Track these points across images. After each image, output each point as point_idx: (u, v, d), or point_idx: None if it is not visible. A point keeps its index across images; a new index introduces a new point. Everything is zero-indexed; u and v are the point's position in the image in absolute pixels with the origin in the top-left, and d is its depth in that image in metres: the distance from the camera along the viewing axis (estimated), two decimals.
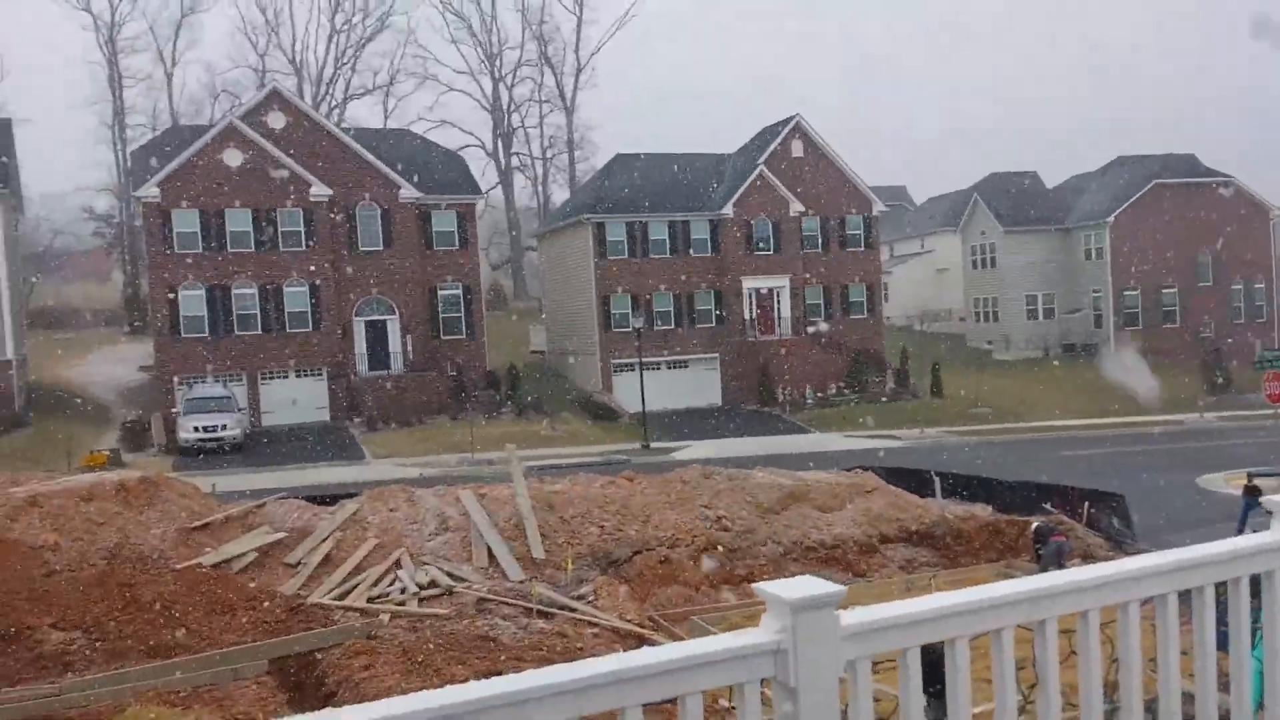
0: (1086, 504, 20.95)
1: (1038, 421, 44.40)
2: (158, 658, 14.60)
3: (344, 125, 59.28)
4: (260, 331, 44.32)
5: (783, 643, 2.71)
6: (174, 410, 40.22)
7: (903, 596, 18.11)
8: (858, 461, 27.58)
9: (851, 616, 2.90)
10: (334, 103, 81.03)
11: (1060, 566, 18.56)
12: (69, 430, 39.85)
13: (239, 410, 40.25)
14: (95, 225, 77.69)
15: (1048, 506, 21.34)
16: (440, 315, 48.70)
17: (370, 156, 46.54)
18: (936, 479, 22.60)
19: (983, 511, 21.96)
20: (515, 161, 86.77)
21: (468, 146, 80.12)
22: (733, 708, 2.96)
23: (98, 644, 14.86)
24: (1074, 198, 67.42)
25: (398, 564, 17.77)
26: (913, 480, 23.55)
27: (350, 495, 20.50)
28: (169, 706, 12.73)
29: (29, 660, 14.38)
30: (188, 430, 37.74)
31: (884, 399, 50.21)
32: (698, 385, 51.18)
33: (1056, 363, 59.91)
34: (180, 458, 37.09)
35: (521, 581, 17.44)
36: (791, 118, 54.49)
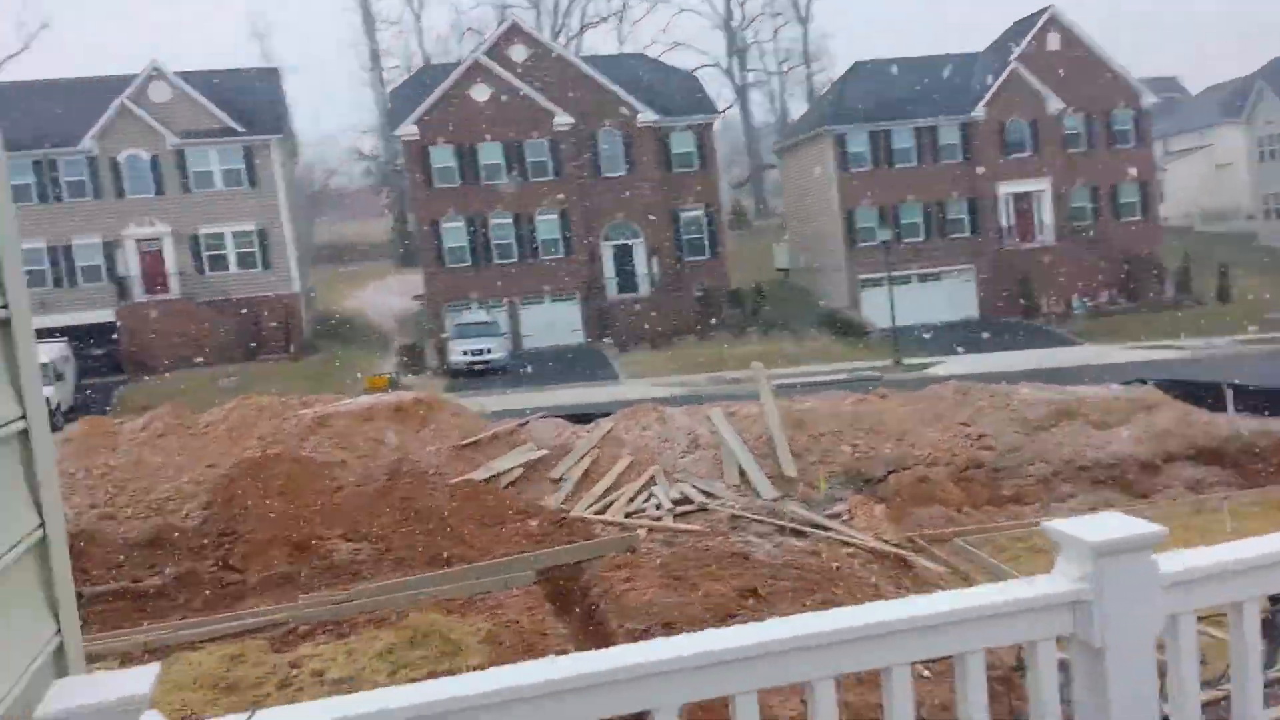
0: None
1: None
2: (436, 567, 15.62)
3: (581, 54, 59.99)
4: (517, 259, 46.12)
5: (1084, 593, 2.29)
6: (444, 336, 42.70)
7: (1192, 520, 16.73)
8: (1136, 374, 25.55)
9: (1172, 562, 2.40)
10: (571, 33, 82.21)
11: None
12: (352, 355, 43.22)
13: (502, 334, 42.29)
14: (364, 165, 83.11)
15: None
16: (683, 237, 48.91)
17: (608, 83, 46.92)
18: (1229, 391, 20.58)
19: None
20: (751, 78, 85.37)
21: (702, 67, 79.48)
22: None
23: (383, 554, 16.05)
24: None
25: (652, 480, 18.12)
26: (1202, 394, 21.54)
27: (605, 414, 21.02)
28: (446, 613, 13.57)
29: (322, 569, 15.73)
30: (456, 354, 40.07)
31: (1163, 307, 46.28)
32: (951, 298, 49.02)
33: None
34: (451, 379, 39.44)
35: (774, 499, 17.38)
36: (1046, 8, 50.35)
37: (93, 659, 13.11)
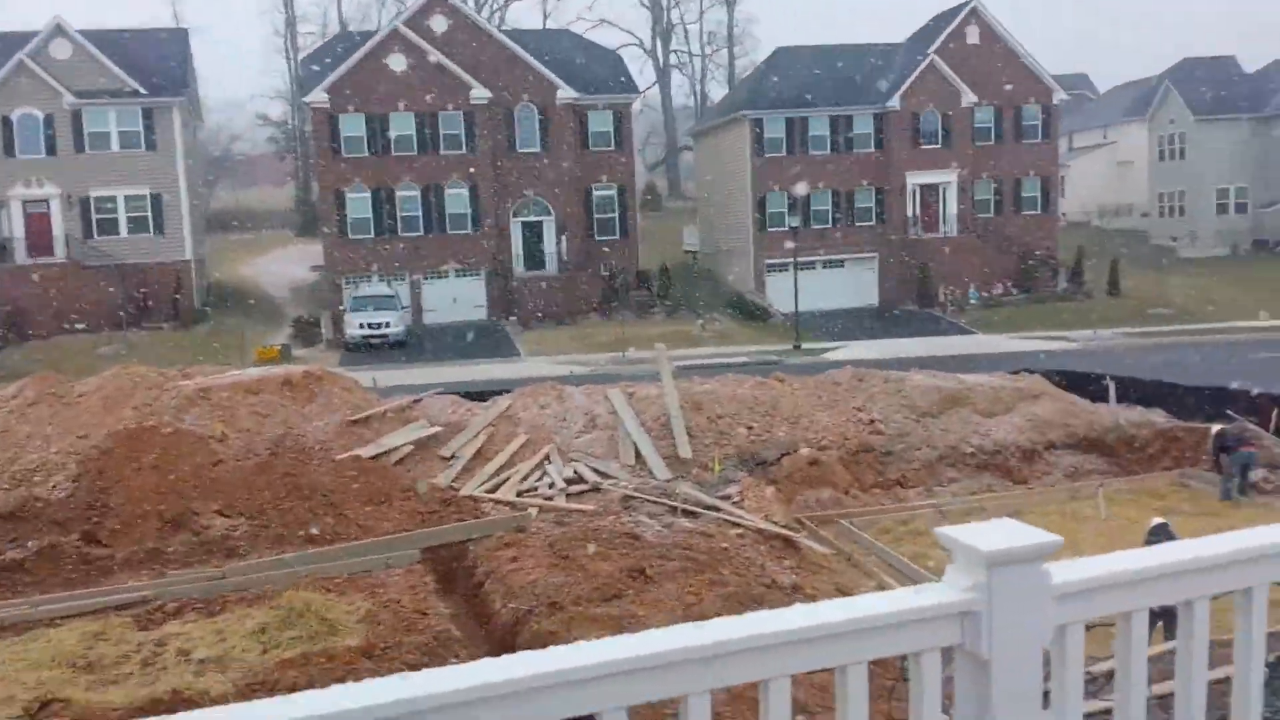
0: (1276, 411, 19.27)
1: (1225, 323, 41.29)
2: (316, 545, 15.19)
3: (504, 28, 59.08)
4: (422, 233, 45.29)
5: (974, 603, 2.18)
6: (341, 308, 41.72)
7: (1067, 505, 17.17)
8: (1023, 364, 26.18)
9: (1064, 571, 2.33)
10: (495, 6, 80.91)
11: (1245, 479, 17.18)
12: (244, 326, 41.96)
13: (402, 308, 41.47)
14: (269, 131, 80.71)
15: (1232, 414, 19.74)
16: (595, 216, 48.61)
17: (529, 58, 46.27)
18: (1110, 383, 21.20)
19: (1159, 418, 20.53)
20: (674, 59, 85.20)
21: (626, 45, 78.96)
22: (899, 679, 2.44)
23: (260, 531, 15.55)
24: (1275, 83, 61.45)
25: (546, 459, 17.92)
26: (1084, 385, 22.17)
27: (503, 392, 20.73)
28: (325, 592, 13.18)
29: (196, 545, 15.16)
30: (354, 327, 39.15)
31: (1055, 299, 47.63)
32: (854, 285, 49.71)
33: (1246, 261, 55.47)
34: (346, 353, 38.56)
35: (667, 480, 17.33)
36: (968, 2, 51.17)
37: None
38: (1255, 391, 20.28)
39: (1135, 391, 21.79)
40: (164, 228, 43.43)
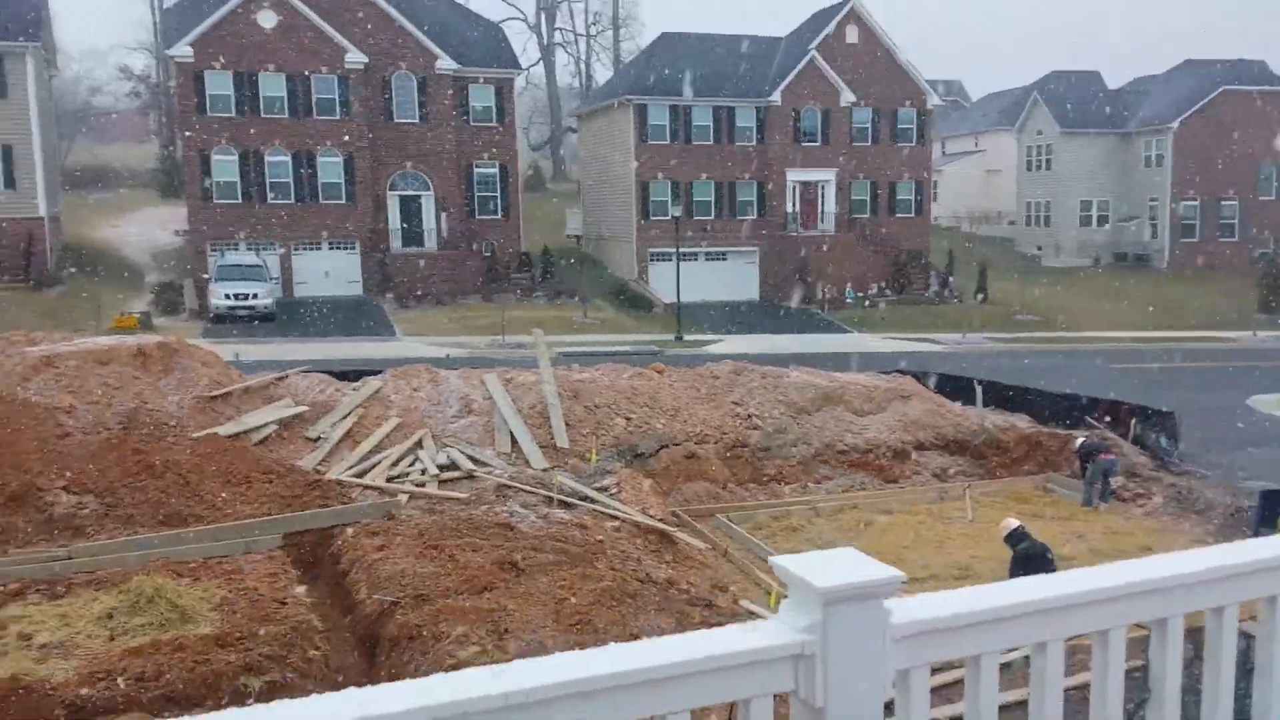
0: (1134, 420, 20.12)
1: (1084, 332, 43.17)
2: (170, 526, 14.35)
3: None
4: (293, 201, 43.62)
5: (808, 645, 2.00)
6: (206, 277, 39.89)
7: (935, 507, 17.53)
8: (895, 365, 26.77)
9: (907, 611, 2.14)
10: None
11: (1106, 485, 17.85)
12: (102, 291, 39.73)
13: (271, 279, 39.86)
14: (132, 85, 76.69)
15: (1092, 420, 20.54)
16: (476, 194, 47.70)
17: (407, 23, 44.98)
18: (979, 387, 21.79)
19: (1023, 423, 21.21)
20: (558, 38, 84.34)
21: (509, 19, 77.83)
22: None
23: (109, 510, 14.60)
24: (1137, 101, 64.55)
25: (419, 444, 17.38)
26: (953, 387, 22.76)
27: (375, 372, 20.03)
28: (176, 577, 12.45)
29: (39, 522, 14.15)
30: (219, 297, 37.43)
31: (926, 301, 49.02)
32: (735, 279, 50.16)
33: (1106, 272, 58.20)
34: (211, 324, 36.89)
35: (544, 470, 17.01)
36: (847, 1, 52.02)
37: None
38: (1113, 400, 21.12)
39: (1002, 395, 22.46)
40: (15, 181, 40.74)
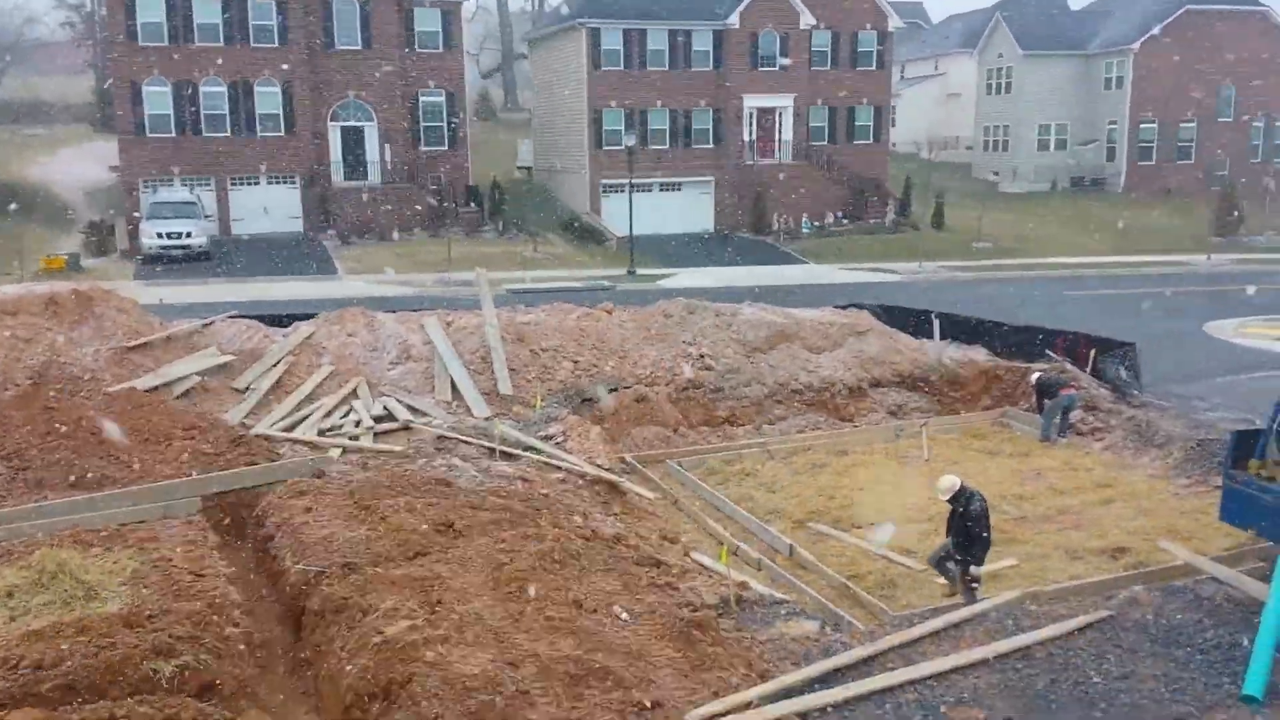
0: (1093, 351, 19.63)
1: (1041, 258, 42.75)
2: (82, 490, 13.46)
3: None
4: (230, 134, 41.82)
5: None
6: (137, 215, 38.23)
7: (892, 446, 16.97)
8: (852, 295, 26.10)
9: None
10: None
11: (1065, 420, 17.37)
12: (30, 230, 38.02)
13: (205, 217, 38.27)
14: (65, 14, 73.27)
15: (1051, 354, 20.03)
16: (422, 124, 46.03)
17: None
18: (936, 321, 21.18)
19: (981, 356, 20.67)
20: None
21: None
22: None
23: (17, 473, 13.67)
24: (1099, 22, 63.60)
25: (353, 394, 16.51)
26: (909, 320, 22.13)
27: (307, 316, 19.02)
28: (85, 547, 11.59)
29: None
30: (150, 236, 35.85)
31: (884, 230, 48.32)
32: (690, 210, 49.12)
33: (1063, 197, 57.77)
34: (142, 265, 35.41)
35: (486, 419, 16.22)
36: None
37: None
38: (1072, 331, 20.61)
39: (959, 328, 21.88)
40: None
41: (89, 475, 13.72)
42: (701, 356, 18.69)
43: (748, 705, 8.77)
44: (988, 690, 8.92)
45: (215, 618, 10.27)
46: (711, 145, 49.59)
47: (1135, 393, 18.83)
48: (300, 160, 42.69)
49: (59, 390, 14.90)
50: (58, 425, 14.43)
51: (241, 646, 10.13)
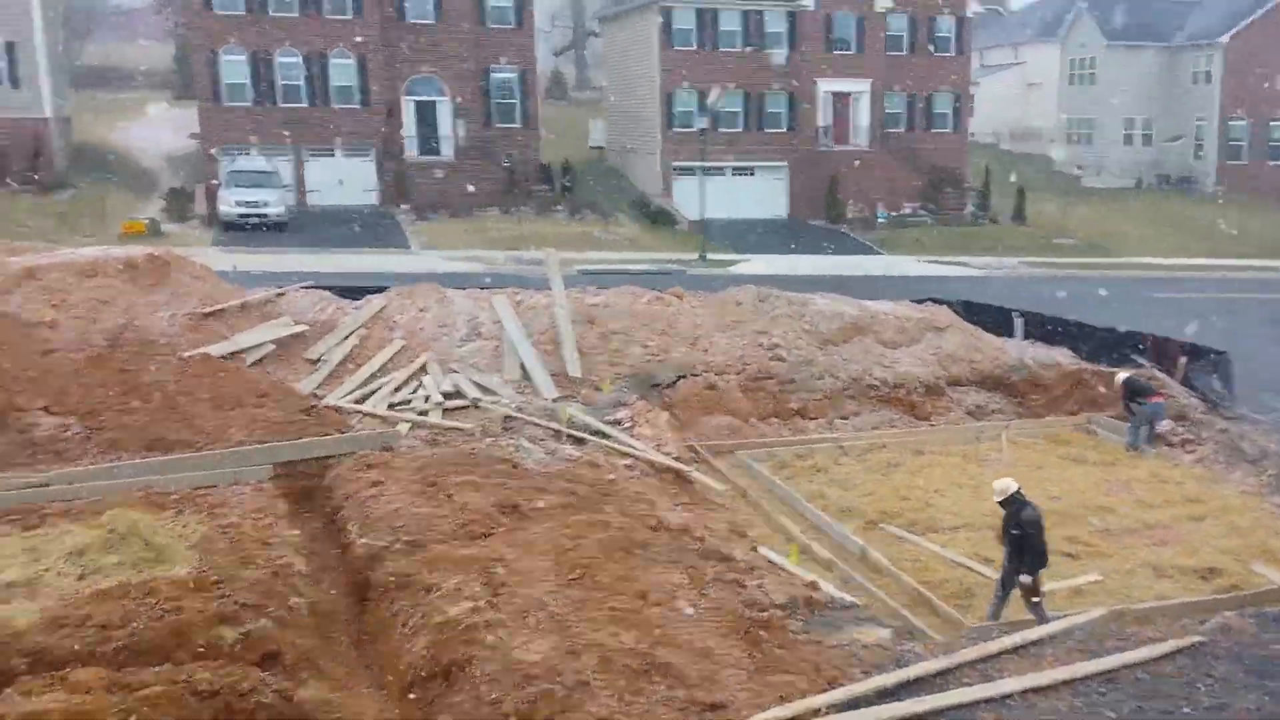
0: (1184, 358, 18.85)
1: (1127, 257, 41.45)
2: (156, 452, 13.55)
3: None
4: (306, 104, 42.15)
5: None
6: (216, 182, 38.73)
7: (970, 448, 16.46)
8: (928, 290, 25.43)
9: None
10: None
11: (1152, 430, 16.70)
12: (112, 195, 38.74)
13: (283, 186, 38.65)
14: None
15: (1138, 359, 19.27)
16: (493, 100, 45.97)
17: None
18: (1019, 319, 20.52)
19: (1065, 358, 19.97)
20: None
21: None
22: None
23: (93, 433, 13.81)
24: (1185, 13, 61.42)
25: (423, 370, 16.43)
26: (990, 317, 21.47)
27: (379, 290, 18.99)
28: (156, 509, 11.64)
29: (19, 445, 13.39)
30: (229, 204, 36.31)
31: (962, 222, 47.26)
32: (763, 195, 48.48)
33: (1150, 195, 56.02)
34: (221, 232, 35.87)
35: (554, 401, 16.04)
36: None
37: None
38: (1161, 336, 19.82)
39: (1042, 328, 21.19)
40: (19, 79, 39.43)
41: (162, 438, 13.81)
42: (773, 346, 18.32)
43: (815, 713, 8.47)
44: (1069, 715, 8.50)
45: (281, 586, 10.24)
46: (785, 130, 48.89)
47: (1228, 404, 18.03)
48: (374, 133, 42.90)
49: (134, 353, 15.01)
50: (133, 388, 14.56)
51: (306, 617, 10.09)
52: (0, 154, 38.34)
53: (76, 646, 8.93)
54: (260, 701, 8.17)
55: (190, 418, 14.31)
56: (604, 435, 14.84)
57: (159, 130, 50.94)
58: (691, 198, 43.22)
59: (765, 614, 9.94)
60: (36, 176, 38.30)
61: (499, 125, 45.88)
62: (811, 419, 17.32)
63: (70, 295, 15.61)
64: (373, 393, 15.74)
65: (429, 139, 44.45)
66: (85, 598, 9.73)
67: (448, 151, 44.45)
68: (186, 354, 15.31)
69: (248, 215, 35.92)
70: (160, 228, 35.25)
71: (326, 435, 14.26)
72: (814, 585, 10.91)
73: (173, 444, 13.77)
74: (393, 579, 10.55)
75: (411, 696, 9.03)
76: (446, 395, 15.80)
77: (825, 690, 8.72)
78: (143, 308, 15.96)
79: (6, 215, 33.35)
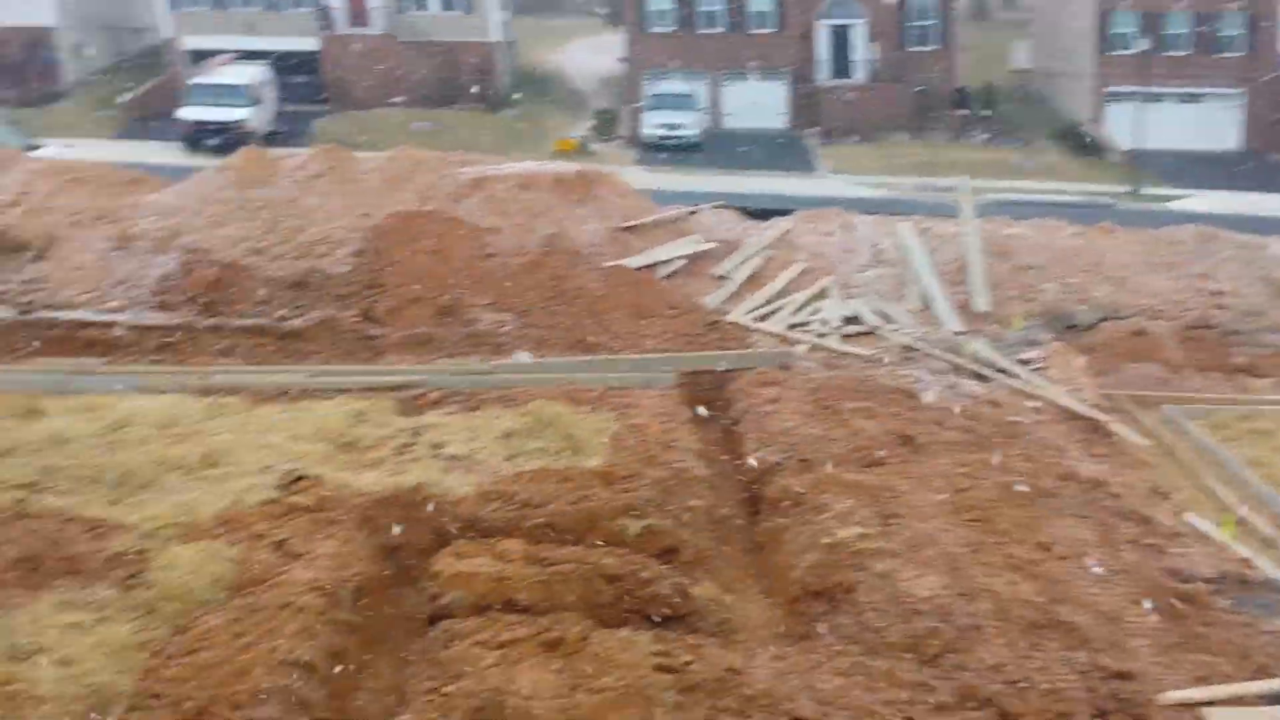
0: None
1: None
2: (576, 352, 14.69)
3: None
4: (725, 30, 43.04)
5: None
6: (638, 105, 40.75)
7: None
8: None
9: None
10: None
11: None
12: (547, 114, 42.00)
13: (699, 109, 39.97)
14: None
15: None
16: (909, 23, 44.26)
17: None
18: None
19: None
20: None
21: None
22: None
23: (526, 330, 15.19)
24: None
25: (823, 293, 16.41)
26: None
27: (786, 212, 19.13)
28: (574, 404, 12.61)
29: (464, 336, 15.03)
30: (649, 126, 38.22)
31: None
32: (1211, 125, 42.96)
33: None
34: (641, 152, 37.81)
35: (957, 334, 15.40)
36: None
37: (227, 392, 12.93)
38: None
39: None
40: (471, 6, 43.49)
41: (583, 340, 14.93)
42: (1217, 293, 16.34)
43: (1239, 700, 7.60)
44: None
45: (680, 488, 10.77)
46: (1242, 53, 42.90)
47: None
48: (788, 57, 42.96)
49: (562, 260, 16.26)
50: (560, 292, 15.82)
51: (703, 519, 10.56)
52: (458, 74, 42.64)
53: (502, 519, 9.96)
54: (658, 592, 8.68)
55: (608, 323, 15.33)
56: (1009, 373, 14.06)
57: (590, 55, 54.32)
58: (1125, 125, 39.36)
59: (1188, 586, 9.04)
60: (484, 96, 42.31)
61: (913, 48, 44.20)
62: (1260, 377, 15.30)
63: (510, 205, 17.16)
64: (774, 312, 15.99)
65: (841, 63, 43.81)
66: (511, 477, 10.80)
67: (859, 75, 43.63)
68: (607, 264, 16.35)
69: (666, 137, 37.56)
70: (588, 146, 37.77)
71: (728, 349, 14.72)
72: (1248, 563, 9.75)
73: (592, 345, 14.84)
74: (783, 495, 10.74)
75: (798, 610, 9.20)
76: (846, 320, 15.69)
77: (1254, 679, 7.81)
78: (570, 220, 17.20)
79: (461, 129, 37.18)
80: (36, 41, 41.19)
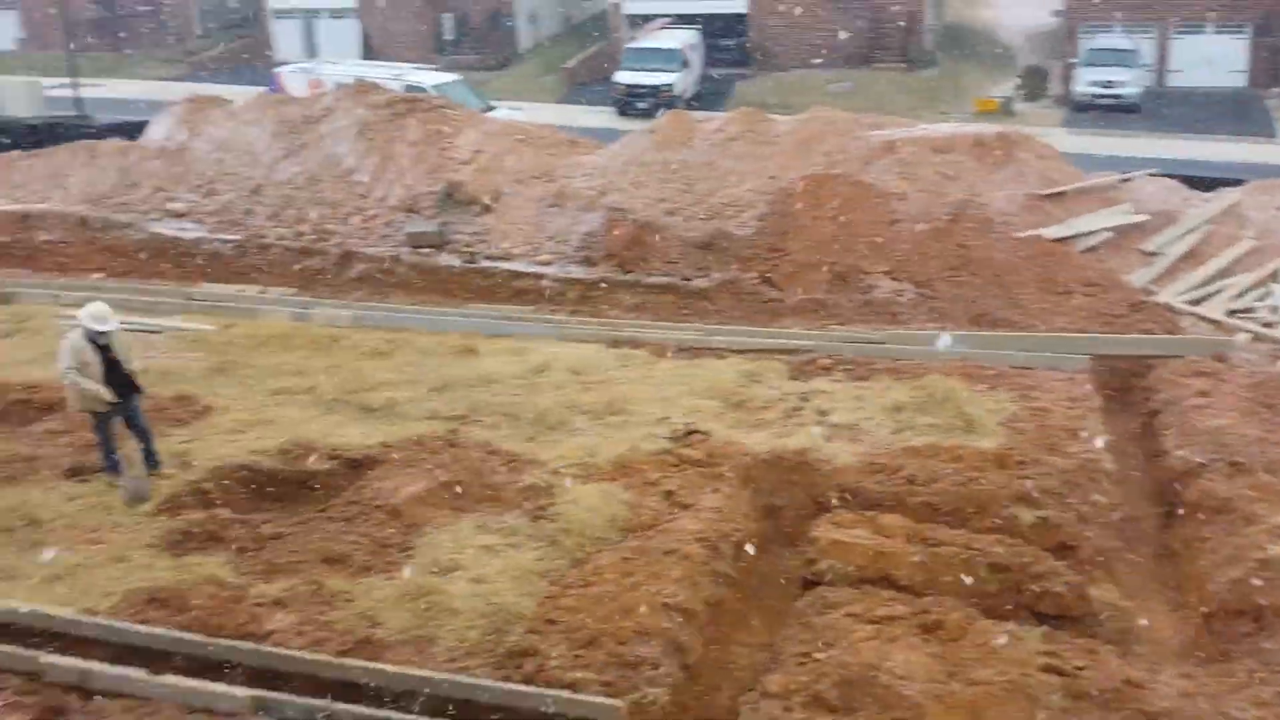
0: None
1: None
2: (979, 326, 14.00)
3: None
4: None
5: None
6: (1073, 61, 37.62)
7: None
8: None
9: None
10: None
11: None
12: (969, 72, 40.06)
13: (1140, 66, 36.11)
14: None
15: None
16: None
17: None
18: None
19: None
20: None
21: None
22: None
23: (924, 301, 14.71)
24: None
25: (1275, 276, 14.36)
26: None
27: (1235, 182, 16.90)
28: (971, 381, 12.11)
29: (858, 304, 14.84)
30: (1083, 83, 35.08)
31: None
32: None
33: None
34: (1072, 112, 34.98)
35: None
36: None
37: (631, 345, 13.76)
38: None
39: None
40: None
41: (986, 314, 14.21)
42: None
43: None
44: None
45: (1085, 481, 10.00)
46: None
47: None
48: (1255, 6, 37.59)
49: (972, 229, 15.50)
50: (966, 262, 15.13)
51: (1108, 517, 9.74)
52: (880, 32, 41.70)
53: (885, 493, 9.80)
54: (1051, 589, 8.17)
55: (1016, 297, 14.48)
56: None
57: (1022, 7, 51.00)
58: None
59: None
60: (905, 53, 41.07)
61: None
62: None
63: (920, 169, 16.55)
64: (1211, 295, 14.26)
65: None
66: (897, 450, 10.58)
67: None
68: (1021, 234, 15.39)
69: (1100, 96, 34.44)
70: (1012, 106, 35.57)
71: (1153, 334, 13.38)
72: None
73: (996, 321, 14.10)
74: (1207, 500, 9.64)
75: (1212, 628, 8.27)
76: None
77: None
78: (985, 185, 16.31)
79: (878, 89, 36.45)
80: (498, 10, 45.75)
